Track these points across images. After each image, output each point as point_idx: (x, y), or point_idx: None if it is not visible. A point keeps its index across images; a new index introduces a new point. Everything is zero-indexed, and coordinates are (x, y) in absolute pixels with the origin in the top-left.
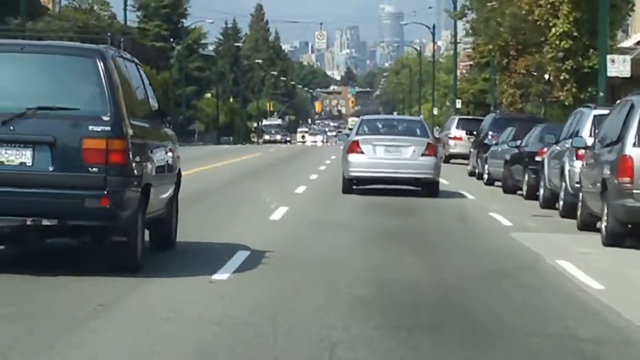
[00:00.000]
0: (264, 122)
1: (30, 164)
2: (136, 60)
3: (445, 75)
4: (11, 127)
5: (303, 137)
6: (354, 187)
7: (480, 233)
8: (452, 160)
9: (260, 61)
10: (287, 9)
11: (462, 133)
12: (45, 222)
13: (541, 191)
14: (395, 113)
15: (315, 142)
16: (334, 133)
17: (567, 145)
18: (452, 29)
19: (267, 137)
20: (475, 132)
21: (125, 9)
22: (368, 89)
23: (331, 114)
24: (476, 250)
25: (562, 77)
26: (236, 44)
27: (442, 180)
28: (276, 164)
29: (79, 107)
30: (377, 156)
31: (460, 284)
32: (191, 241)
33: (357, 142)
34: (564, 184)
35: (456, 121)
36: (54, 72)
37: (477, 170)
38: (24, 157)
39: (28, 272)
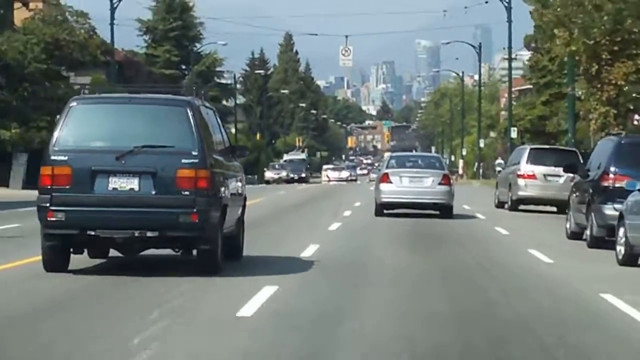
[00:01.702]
0: (285, 156)
1: (138, 189)
2: (213, 108)
3: (488, 105)
4: (123, 162)
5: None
6: (385, 211)
7: None
8: (521, 207)
9: (286, 91)
10: (319, 44)
11: (536, 169)
12: (149, 234)
13: None
14: (433, 148)
15: (340, 179)
16: (366, 171)
17: None
18: (489, 62)
19: (270, 175)
20: (561, 168)
21: (111, 24)
22: (404, 124)
23: (366, 150)
24: None
25: None
26: (261, 73)
27: (537, 253)
28: (269, 220)
29: (174, 145)
30: (403, 185)
31: None
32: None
33: (387, 174)
34: None
35: (527, 153)
36: (154, 118)
37: (588, 232)
38: (132, 184)
39: (132, 275)
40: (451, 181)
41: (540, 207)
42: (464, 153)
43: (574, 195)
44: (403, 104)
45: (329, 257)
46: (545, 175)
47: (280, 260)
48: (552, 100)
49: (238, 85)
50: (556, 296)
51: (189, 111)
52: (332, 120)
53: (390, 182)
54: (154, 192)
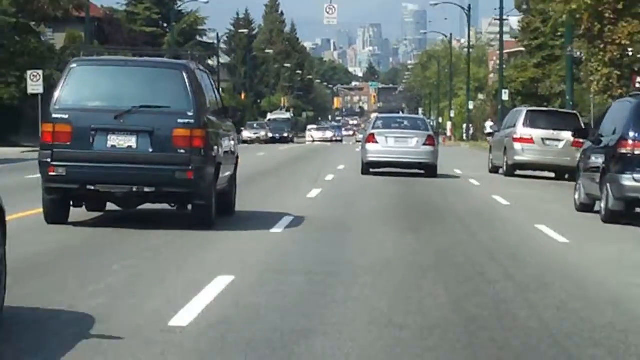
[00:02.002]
0: (269, 116)
1: (135, 147)
2: (207, 71)
3: (476, 68)
4: (121, 121)
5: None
6: (371, 169)
7: None
8: (518, 172)
9: (271, 51)
10: (305, 6)
11: (533, 133)
12: (146, 189)
13: None
14: (420, 110)
15: (324, 139)
16: (351, 132)
17: None
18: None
19: (248, 134)
20: (560, 131)
21: None
22: (391, 85)
23: (353, 111)
24: None
25: None
26: (245, 32)
27: (547, 230)
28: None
29: (170, 105)
30: (388, 145)
31: None
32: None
33: (373, 134)
34: None
35: (524, 116)
36: (152, 80)
37: (603, 206)
38: (130, 142)
39: (132, 227)
40: (435, 142)
41: (537, 173)
42: (452, 115)
43: (585, 163)
44: (390, 66)
45: (301, 238)
46: (543, 139)
47: (244, 239)
48: (545, 63)
49: (222, 45)
50: (586, 294)
51: (184, 74)
52: (318, 81)
53: (377, 142)
54: (151, 150)
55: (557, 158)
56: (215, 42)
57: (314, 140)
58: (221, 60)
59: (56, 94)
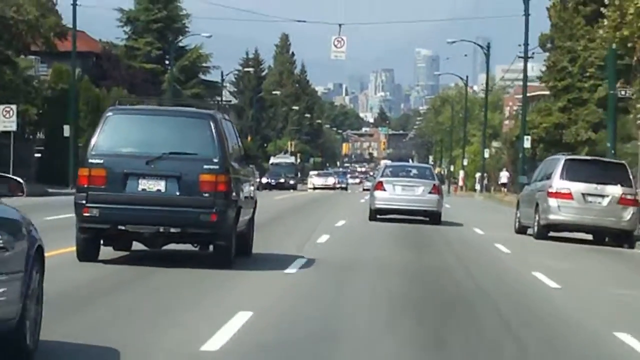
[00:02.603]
0: (272, 159)
1: (164, 191)
2: (232, 120)
3: (490, 114)
4: (152, 166)
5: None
6: (378, 216)
7: None
8: (552, 233)
9: (278, 92)
10: (318, 49)
11: (572, 187)
12: (172, 230)
13: None
14: (430, 158)
15: (326, 186)
16: (358, 180)
17: None
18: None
19: None
20: (605, 185)
21: (74, 5)
22: (401, 132)
23: (362, 157)
24: None
25: None
26: (251, 71)
27: None
28: None
29: (197, 152)
30: (396, 193)
31: None
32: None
33: (381, 182)
34: None
35: (561, 166)
36: (181, 128)
37: None
38: (159, 185)
39: (156, 266)
40: (440, 190)
41: (572, 234)
42: (465, 163)
43: None
44: (401, 112)
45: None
46: (584, 195)
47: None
48: (571, 107)
49: (229, 86)
50: None
51: (211, 123)
52: (328, 126)
53: (384, 190)
54: (178, 194)
55: (599, 218)
56: (220, 80)
57: (314, 188)
58: (230, 102)
59: (93, 140)
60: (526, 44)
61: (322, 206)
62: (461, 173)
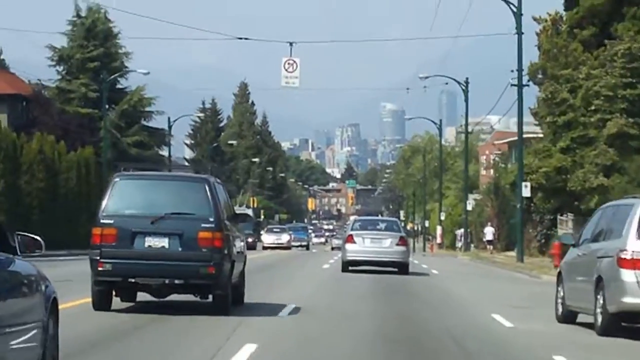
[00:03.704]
0: None
1: (167, 247)
2: (223, 184)
3: (462, 165)
4: (156, 225)
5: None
6: (350, 267)
7: None
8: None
9: (234, 142)
10: (283, 107)
11: None
12: (176, 282)
13: None
14: (401, 213)
15: (279, 244)
16: (323, 239)
17: None
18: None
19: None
20: None
21: None
22: (370, 187)
23: (330, 213)
24: None
25: None
26: (209, 121)
27: None
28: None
29: (195, 212)
30: (365, 245)
31: None
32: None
33: (352, 235)
34: None
35: (636, 219)
36: (180, 191)
37: None
38: (163, 242)
39: (162, 313)
40: (406, 242)
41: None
42: (442, 218)
43: None
44: (368, 167)
45: None
46: None
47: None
48: (576, 147)
49: (185, 137)
50: None
51: (206, 186)
52: (292, 180)
53: (354, 243)
54: (180, 249)
55: None
56: (167, 128)
57: (264, 247)
58: (185, 155)
59: (103, 203)
60: (520, 70)
61: (270, 279)
62: (438, 229)
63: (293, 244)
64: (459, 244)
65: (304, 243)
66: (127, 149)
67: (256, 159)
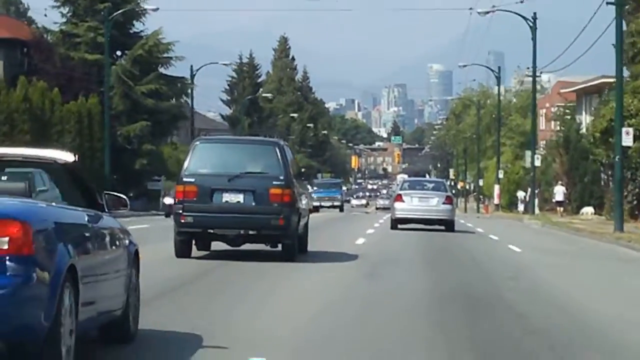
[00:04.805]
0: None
1: (242, 202)
2: (289, 145)
3: (520, 119)
4: (232, 183)
5: None
6: (399, 225)
7: None
8: None
9: (269, 95)
10: (328, 70)
11: None
12: (250, 232)
13: None
14: (451, 171)
15: None
16: (364, 200)
17: None
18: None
19: (170, 201)
20: None
21: None
22: (416, 145)
23: (376, 173)
24: None
25: None
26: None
27: None
28: None
29: (267, 172)
30: (413, 204)
31: None
32: None
33: (400, 194)
34: None
35: None
36: (253, 153)
37: None
38: (239, 198)
39: (237, 260)
40: (452, 201)
41: None
42: (500, 176)
43: None
44: (415, 127)
45: None
46: None
47: None
48: None
49: (222, 94)
50: None
51: (277, 149)
52: (336, 138)
53: (403, 201)
54: (253, 204)
55: None
56: (190, 77)
57: None
58: (221, 112)
59: (185, 164)
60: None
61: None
62: (496, 188)
63: (322, 204)
64: (520, 207)
65: (337, 203)
66: (141, 100)
67: (296, 114)
